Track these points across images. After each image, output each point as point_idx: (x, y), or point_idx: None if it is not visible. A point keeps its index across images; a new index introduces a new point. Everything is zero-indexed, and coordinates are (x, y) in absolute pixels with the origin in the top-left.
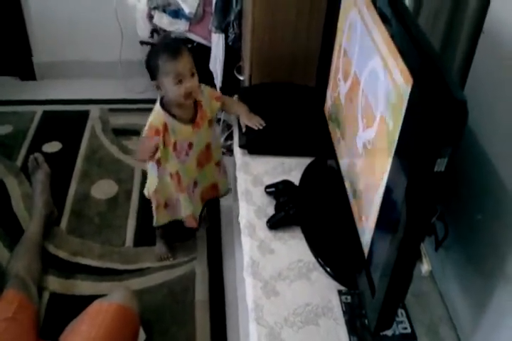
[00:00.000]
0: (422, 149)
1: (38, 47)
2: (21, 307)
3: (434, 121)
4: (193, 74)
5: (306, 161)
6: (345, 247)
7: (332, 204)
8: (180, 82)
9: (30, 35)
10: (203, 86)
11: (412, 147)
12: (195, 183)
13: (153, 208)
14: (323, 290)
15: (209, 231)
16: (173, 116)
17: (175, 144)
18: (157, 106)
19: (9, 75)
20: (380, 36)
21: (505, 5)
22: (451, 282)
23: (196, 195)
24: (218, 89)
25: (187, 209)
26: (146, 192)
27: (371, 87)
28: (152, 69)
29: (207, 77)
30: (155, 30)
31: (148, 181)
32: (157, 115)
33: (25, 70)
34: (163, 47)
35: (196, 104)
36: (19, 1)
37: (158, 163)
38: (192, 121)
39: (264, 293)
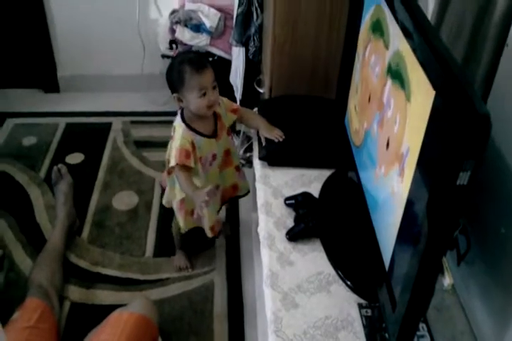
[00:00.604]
0: (445, 162)
1: (62, 60)
2: (43, 316)
3: (457, 135)
4: (214, 87)
5: (326, 173)
6: (366, 260)
7: (352, 216)
8: (204, 94)
9: (54, 49)
10: (220, 98)
11: (434, 160)
12: (218, 186)
13: (179, 215)
14: (342, 303)
15: (228, 242)
16: (198, 132)
17: (200, 158)
18: (180, 125)
19: (34, 88)
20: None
21: None
22: (473, 296)
23: (218, 196)
24: (238, 102)
25: (212, 217)
26: (164, 202)
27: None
28: (174, 82)
29: (227, 90)
30: (173, 42)
31: (169, 191)
32: (184, 135)
33: (50, 83)
34: (187, 62)
35: (216, 116)
36: (45, 17)
37: None
38: (214, 134)
39: (283, 305)
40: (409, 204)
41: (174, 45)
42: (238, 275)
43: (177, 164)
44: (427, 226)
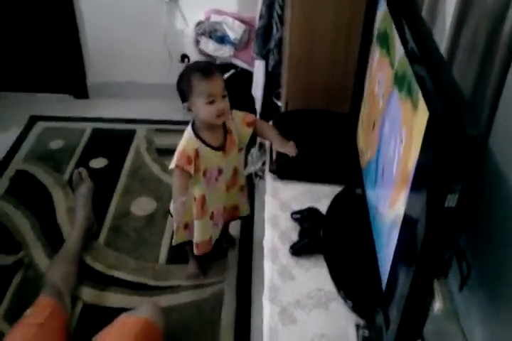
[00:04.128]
0: (433, 184)
1: (92, 68)
2: (53, 315)
3: (445, 156)
4: (224, 96)
5: (336, 189)
6: (367, 280)
7: (357, 235)
8: (212, 102)
9: (85, 56)
10: (233, 112)
11: (425, 181)
12: (225, 208)
13: (174, 227)
14: (340, 322)
15: (241, 254)
16: (205, 142)
17: (205, 171)
18: (189, 132)
19: (65, 93)
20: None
21: None
22: (475, 323)
23: (222, 218)
24: (258, 114)
25: (204, 235)
26: (171, 209)
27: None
28: (184, 90)
29: (249, 102)
30: (185, 56)
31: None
32: (189, 141)
33: (80, 89)
34: (195, 68)
35: (226, 130)
36: (76, 27)
37: None
38: (222, 147)
39: (280, 320)
40: (404, 226)
41: (186, 59)
42: (248, 287)
43: (176, 166)
44: (418, 248)
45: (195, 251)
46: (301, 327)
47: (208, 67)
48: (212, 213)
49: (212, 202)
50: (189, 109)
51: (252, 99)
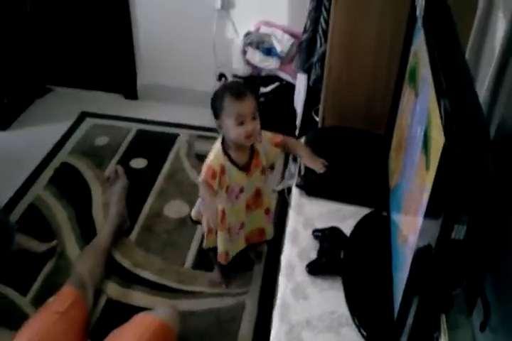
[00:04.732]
0: (442, 213)
1: (143, 70)
2: (75, 305)
3: (453, 184)
4: (254, 118)
5: (363, 211)
6: (382, 308)
7: (379, 261)
8: (241, 123)
9: (137, 59)
10: (262, 132)
11: (435, 210)
12: (242, 224)
13: (205, 230)
14: None
15: (266, 268)
16: (231, 160)
17: (227, 187)
18: (217, 147)
19: (115, 92)
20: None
21: None
22: None
23: (241, 235)
24: (297, 129)
25: (220, 246)
26: (193, 214)
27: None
28: (216, 108)
29: (291, 116)
30: (223, 75)
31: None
32: (217, 155)
33: (130, 90)
34: (228, 89)
35: (253, 151)
36: (131, 30)
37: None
38: (246, 168)
39: (287, 339)
40: (415, 255)
41: (223, 78)
42: (270, 302)
43: (202, 180)
44: (423, 280)
45: (218, 258)
46: None
47: (240, 89)
48: (229, 229)
49: (231, 218)
50: (219, 127)
51: (294, 113)
